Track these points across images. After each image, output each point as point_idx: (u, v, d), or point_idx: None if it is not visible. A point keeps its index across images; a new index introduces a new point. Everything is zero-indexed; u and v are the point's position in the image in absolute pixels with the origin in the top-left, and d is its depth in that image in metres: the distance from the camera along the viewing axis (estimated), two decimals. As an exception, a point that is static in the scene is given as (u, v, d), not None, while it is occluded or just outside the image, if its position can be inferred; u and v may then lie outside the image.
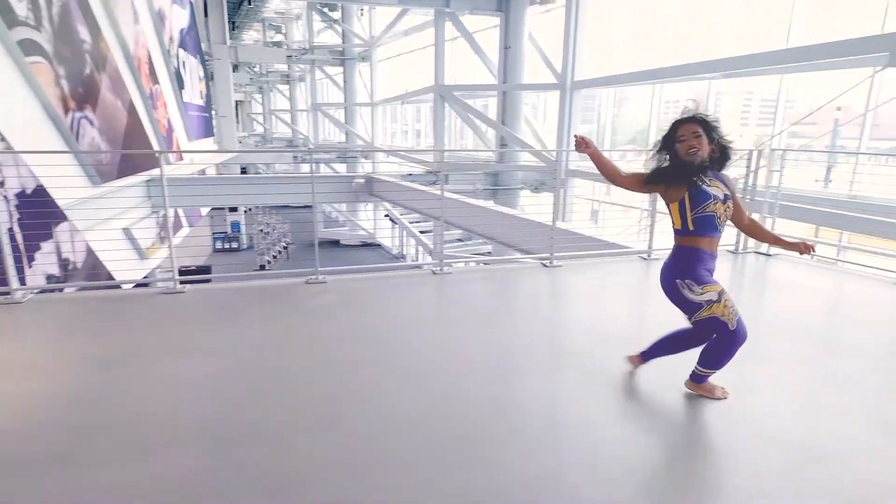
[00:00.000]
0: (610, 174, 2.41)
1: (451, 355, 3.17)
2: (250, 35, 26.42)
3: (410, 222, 17.08)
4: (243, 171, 21.36)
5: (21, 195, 7.59)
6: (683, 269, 2.34)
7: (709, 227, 2.31)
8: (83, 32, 9.48)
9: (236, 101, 34.32)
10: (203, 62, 17.39)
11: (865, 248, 7.07)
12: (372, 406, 2.54)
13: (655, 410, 2.58)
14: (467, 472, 2.04)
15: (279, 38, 24.89)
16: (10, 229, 7.20)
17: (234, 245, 21.55)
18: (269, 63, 24.85)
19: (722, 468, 2.16)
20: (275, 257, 19.99)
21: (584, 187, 14.06)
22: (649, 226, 5.58)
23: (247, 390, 2.68)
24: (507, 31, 13.27)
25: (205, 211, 17.48)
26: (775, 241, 2.55)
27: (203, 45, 18.03)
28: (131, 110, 11.24)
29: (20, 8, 7.61)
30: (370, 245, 21.70)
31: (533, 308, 4.21)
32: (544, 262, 5.17)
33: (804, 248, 2.39)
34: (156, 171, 12.04)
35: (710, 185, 2.30)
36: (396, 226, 19.14)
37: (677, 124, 2.30)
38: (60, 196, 7.90)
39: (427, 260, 14.42)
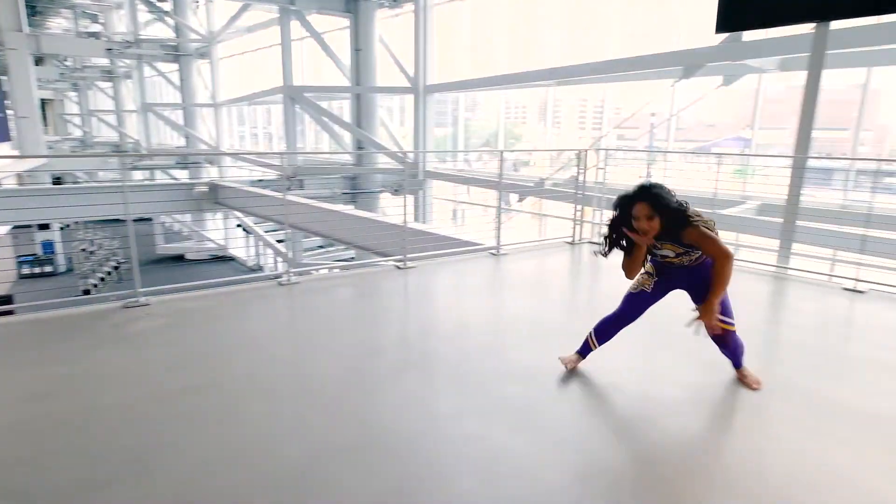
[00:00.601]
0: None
1: (294, 372, 2.92)
2: (58, 23, 22.74)
3: (266, 231, 16.04)
4: (57, 181, 18.27)
5: None
6: None
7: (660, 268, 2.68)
8: None
9: (43, 100, 29.38)
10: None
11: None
12: (192, 442, 2.21)
13: (516, 406, 2.60)
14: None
15: (96, 27, 21.77)
16: None
17: (48, 269, 18.36)
18: (85, 57, 21.61)
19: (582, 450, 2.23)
20: (102, 279, 17.44)
21: (444, 188, 14.48)
22: (497, 226, 5.79)
23: (28, 445, 2.17)
24: (356, 33, 13.08)
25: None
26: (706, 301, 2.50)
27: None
28: None
29: None
30: (222, 258, 19.97)
31: (384, 312, 4.08)
32: (398, 264, 5.09)
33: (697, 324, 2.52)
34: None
35: (660, 249, 2.53)
36: (251, 235, 17.86)
37: (627, 202, 2.43)
38: None
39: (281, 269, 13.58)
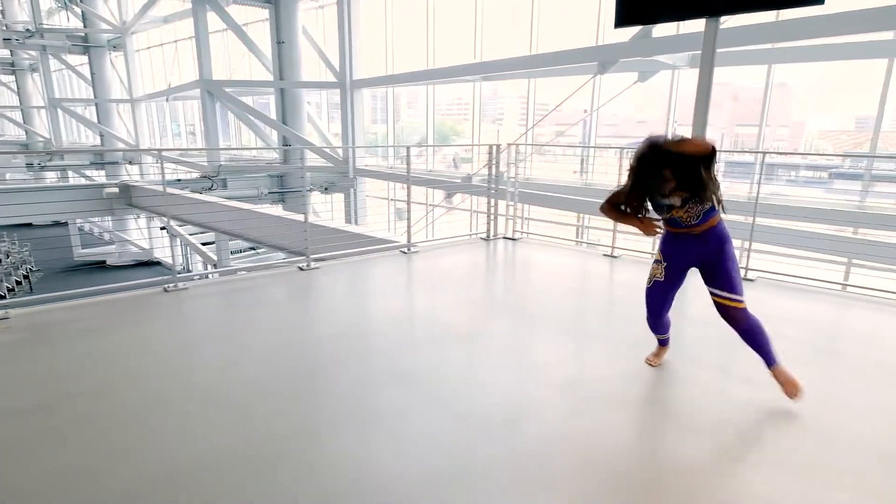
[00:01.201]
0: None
1: (156, 388, 2.69)
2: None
3: (191, 234, 15.26)
4: None
5: None
6: None
7: (674, 224, 2.57)
8: None
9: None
10: None
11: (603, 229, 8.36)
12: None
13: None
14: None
15: (-4, 17, 19.95)
16: None
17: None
18: (-16, 47, 19.78)
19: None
20: (11, 290, 16.07)
21: (377, 186, 14.23)
22: (408, 223, 5.70)
23: None
24: (278, 24, 12.60)
25: None
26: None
27: None
28: None
29: None
30: (147, 263, 18.87)
31: (269, 318, 3.85)
32: (301, 265, 4.89)
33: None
34: None
35: (667, 196, 2.48)
36: (177, 238, 16.94)
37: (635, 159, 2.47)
38: None
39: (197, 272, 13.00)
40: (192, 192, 11.68)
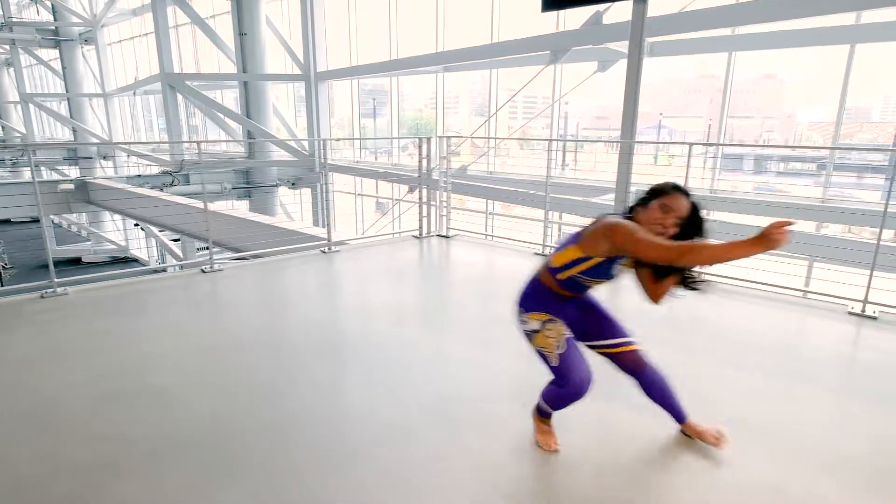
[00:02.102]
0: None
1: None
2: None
3: (160, 230, 15.08)
4: None
5: None
6: (522, 298, 2.08)
7: (577, 290, 2.03)
8: None
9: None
10: None
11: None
12: None
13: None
14: None
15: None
16: None
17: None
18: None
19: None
20: (-10, 286, 15.99)
21: (345, 182, 14.01)
22: (326, 219, 5.48)
23: None
24: (240, 16, 12.31)
25: None
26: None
27: None
28: None
29: None
30: (123, 260, 18.74)
31: (139, 329, 3.63)
32: (204, 267, 4.68)
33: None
34: None
35: (620, 266, 1.95)
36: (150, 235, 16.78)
37: (673, 189, 1.86)
38: None
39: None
40: (153, 188, 11.47)
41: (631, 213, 1.89)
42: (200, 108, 12.96)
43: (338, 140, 13.62)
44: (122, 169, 16.60)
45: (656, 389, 2.09)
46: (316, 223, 12.49)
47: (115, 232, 18.64)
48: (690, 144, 4.61)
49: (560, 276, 1.96)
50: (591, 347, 2.12)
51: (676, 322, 3.59)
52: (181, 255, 13.22)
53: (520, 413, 2.32)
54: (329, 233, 5.40)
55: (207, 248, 4.85)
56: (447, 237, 5.97)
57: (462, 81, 12.73)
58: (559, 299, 2.03)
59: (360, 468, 2.02)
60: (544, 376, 2.08)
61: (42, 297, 3.97)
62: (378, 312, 3.77)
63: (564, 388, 1.98)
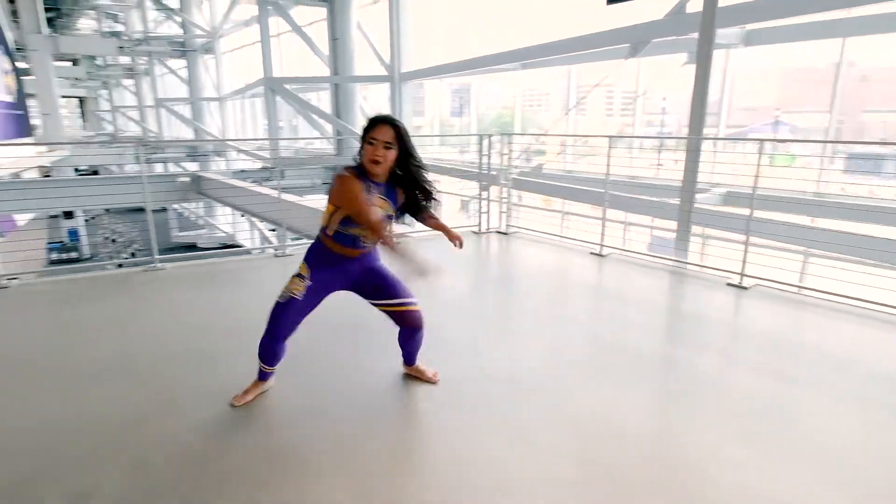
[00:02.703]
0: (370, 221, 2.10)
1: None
2: (86, 24, 24.01)
3: (260, 220, 16.52)
4: (94, 173, 19.41)
5: None
6: (307, 252, 2.36)
7: (347, 242, 2.25)
8: None
9: (80, 98, 31.19)
10: (8, 53, 15.56)
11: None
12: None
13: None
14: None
15: (118, 27, 22.85)
16: None
17: (74, 255, 19.63)
18: (108, 56, 22.77)
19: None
20: (120, 266, 18.53)
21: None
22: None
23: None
24: (333, 22, 13.17)
25: (22, 219, 15.74)
26: (441, 228, 2.49)
27: (12, 35, 16.13)
28: None
29: None
30: (230, 247, 20.75)
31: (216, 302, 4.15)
32: (276, 252, 5.21)
33: (455, 237, 2.45)
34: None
35: (373, 204, 2.15)
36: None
37: (374, 122, 2.14)
38: None
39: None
40: (253, 182, 12.63)
41: (359, 157, 2.15)
42: (296, 109, 14.02)
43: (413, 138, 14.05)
44: (233, 164, 18.44)
45: (414, 342, 2.52)
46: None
47: (226, 222, 20.69)
48: (762, 141, 4.32)
49: (329, 232, 2.23)
50: (376, 305, 2.43)
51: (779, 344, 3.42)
52: (275, 242, 14.43)
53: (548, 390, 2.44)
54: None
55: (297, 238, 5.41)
56: (505, 234, 6.07)
57: (554, 77, 12.62)
58: (340, 258, 2.28)
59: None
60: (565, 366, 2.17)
61: (145, 271, 4.69)
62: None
63: (267, 329, 2.29)
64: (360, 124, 14.09)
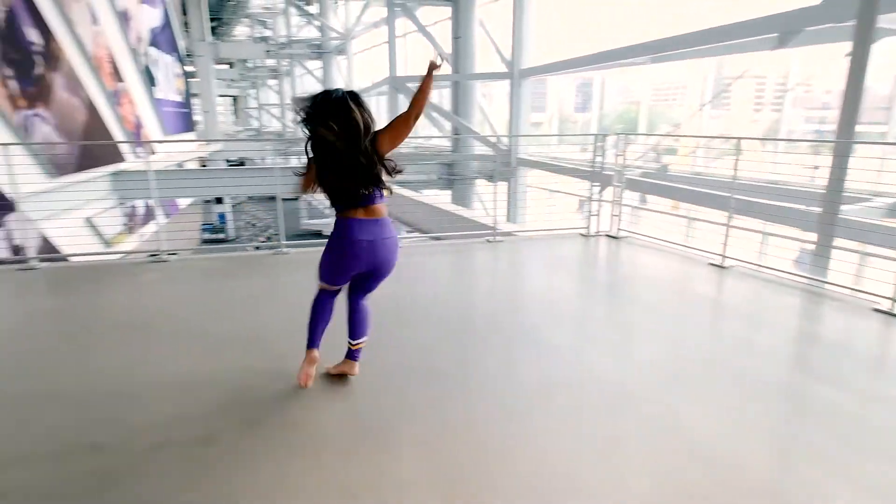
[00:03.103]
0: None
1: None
2: (241, 31, 27.01)
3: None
4: (241, 163, 21.98)
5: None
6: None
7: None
8: (33, 35, 10.09)
9: (234, 97, 35.16)
10: (181, 59, 18.01)
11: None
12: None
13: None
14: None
15: (268, 33, 25.40)
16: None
17: (221, 236, 22.30)
18: (257, 59, 25.42)
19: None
20: (257, 248, 20.71)
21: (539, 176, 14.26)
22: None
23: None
24: (457, 20, 13.46)
25: (183, 203, 18.20)
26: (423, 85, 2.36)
27: (183, 43, 18.65)
28: (90, 108, 11.88)
29: (-38, 16, 8.21)
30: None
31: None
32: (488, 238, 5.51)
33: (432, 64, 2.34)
34: (122, 165, 12.76)
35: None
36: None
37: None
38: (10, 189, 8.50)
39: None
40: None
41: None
42: (418, 107, 14.55)
43: (523, 137, 13.88)
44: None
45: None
46: (509, 217, 13.09)
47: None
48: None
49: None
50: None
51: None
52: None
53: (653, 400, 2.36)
54: (495, 222, 5.78)
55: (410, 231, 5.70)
56: (616, 238, 5.82)
57: (691, 69, 11.80)
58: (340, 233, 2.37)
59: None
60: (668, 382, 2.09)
61: (273, 254, 5.23)
62: (517, 299, 4.01)
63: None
64: (478, 122, 14.31)
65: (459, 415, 2.37)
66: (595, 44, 11.74)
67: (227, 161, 21.73)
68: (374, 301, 2.85)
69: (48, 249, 9.75)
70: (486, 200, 14.78)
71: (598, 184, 5.92)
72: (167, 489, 1.86)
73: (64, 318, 3.59)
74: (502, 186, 14.42)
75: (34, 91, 10.06)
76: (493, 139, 13.33)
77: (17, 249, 8.96)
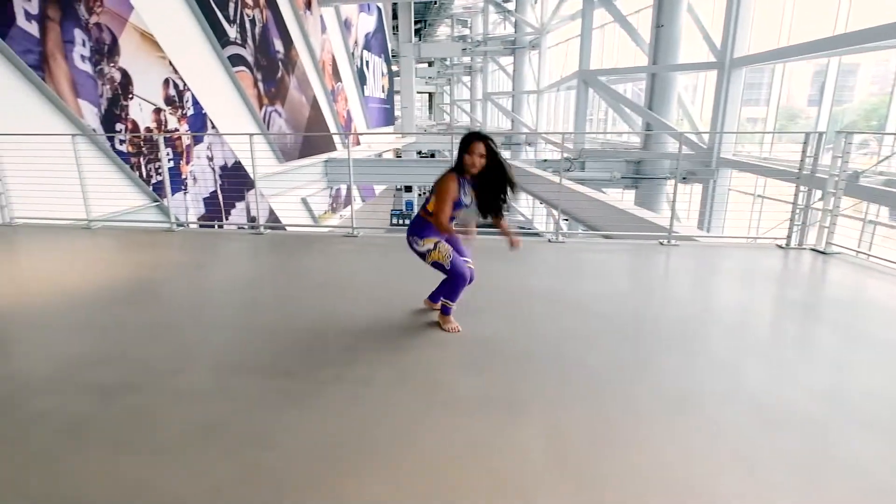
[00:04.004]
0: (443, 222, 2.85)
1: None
2: (443, 31, 28.91)
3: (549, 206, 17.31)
4: (431, 155, 23.90)
5: (224, 167, 10.51)
6: (415, 230, 2.95)
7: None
8: (278, 45, 12.27)
9: (429, 94, 37.87)
10: (388, 60, 20.07)
11: None
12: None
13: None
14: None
15: (465, 31, 26.79)
16: (214, 191, 10.15)
17: (406, 222, 24.40)
18: (454, 57, 26.99)
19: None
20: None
21: (743, 179, 12.63)
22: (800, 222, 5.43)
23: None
24: (660, 8, 12.56)
25: (378, 189, 20.37)
26: (503, 228, 3.00)
27: (392, 45, 20.77)
28: (314, 104, 14.01)
29: (231, 31, 10.39)
30: (527, 232, 22.38)
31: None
32: (550, 237, 5.53)
33: (513, 241, 2.97)
34: (333, 154, 14.84)
35: (467, 194, 2.86)
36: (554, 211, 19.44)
37: (470, 139, 2.82)
38: (251, 171, 10.61)
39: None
40: (554, 172, 13.35)
41: (460, 162, 2.79)
42: (607, 101, 14.04)
43: (728, 133, 12.38)
44: (540, 154, 19.77)
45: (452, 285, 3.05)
46: (700, 224, 11.92)
47: (527, 206, 22.38)
48: None
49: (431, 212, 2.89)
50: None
51: None
52: (564, 229, 14.93)
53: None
54: (671, 224, 5.38)
55: (589, 228, 5.63)
56: (823, 253, 4.96)
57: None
58: (437, 231, 2.92)
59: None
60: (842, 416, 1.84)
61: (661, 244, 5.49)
62: (681, 305, 3.72)
63: (457, 280, 2.98)
64: (675, 117, 13.25)
65: (590, 406, 2.35)
66: (834, 25, 9.79)
67: (419, 153, 23.66)
68: (534, 292, 2.92)
69: (273, 220, 11.87)
70: (675, 203, 13.65)
71: (805, 189, 5.09)
72: (332, 413, 2.24)
73: (281, 273, 4.42)
74: (696, 189, 13.23)
75: (275, 91, 12.24)
76: (691, 136, 12.22)
77: (252, 218, 11.13)
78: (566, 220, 16.58)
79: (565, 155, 14.05)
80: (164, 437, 2.07)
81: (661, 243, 5.36)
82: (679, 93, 13.26)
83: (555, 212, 6.69)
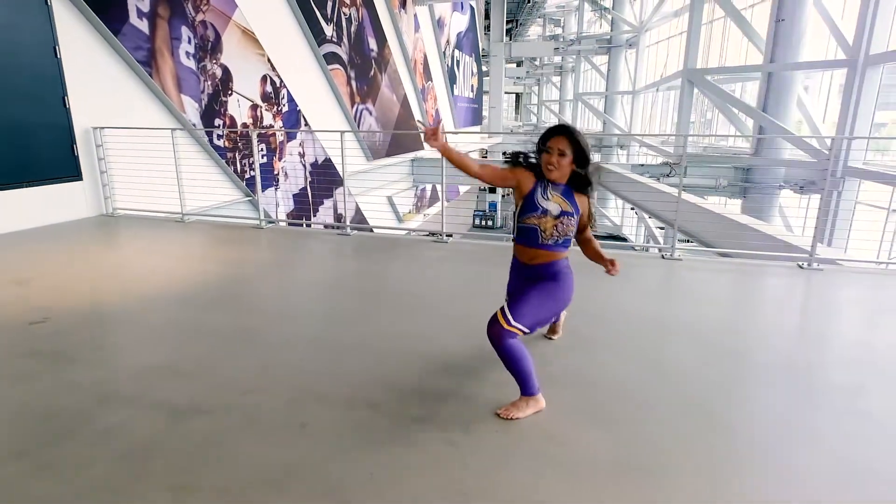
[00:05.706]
0: (465, 169, 2.24)
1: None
2: (534, 30, 28.20)
3: (649, 216, 16.19)
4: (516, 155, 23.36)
5: (314, 164, 10.66)
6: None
7: (527, 237, 2.25)
8: (372, 43, 12.31)
9: (516, 94, 37.19)
10: (478, 59, 19.77)
11: None
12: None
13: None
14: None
15: (558, 31, 25.93)
16: (304, 188, 10.32)
17: (489, 223, 23.98)
18: (545, 56, 26.21)
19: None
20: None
21: (874, 191, 11.00)
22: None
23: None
24: (782, 1, 11.25)
25: (462, 189, 20.08)
26: (597, 256, 2.36)
27: (483, 44, 20.43)
28: (404, 103, 13.96)
29: (328, 30, 10.51)
30: (614, 237, 21.24)
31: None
32: (664, 253, 4.88)
33: (611, 266, 2.26)
34: (420, 153, 14.75)
35: (548, 199, 2.20)
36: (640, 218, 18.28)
37: (549, 133, 2.24)
38: (340, 168, 10.69)
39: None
40: (651, 177, 12.39)
41: (537, 161, 2.23)
42: (714, 102, 12.82)
43: (857, 139, 10.82)
44: (634, 158, 18.59)
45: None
46: (819, 238, 10.52)
47: (615, 214, 21.23)
48: None
49: (514, 235, 2.32)
50: None
51: None
52: (661, 241, 13.86)
53: None
54: (814, 246, 4.55)
55: (688, 241, 4.99)
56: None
57: None
58: (523, 267, 2.31)
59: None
60: None
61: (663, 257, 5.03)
62: (819, 341, 3.00)
63: (508, 363, 2.16)
64: (794, 119, 11.84)
65: (753, 480, 1.81)
66: None
67: (504, 154, 23.13)
68: (656, 321, 2.33)
69: (359, 218, 11.88)
70: (792, 216, 12.21)
71: None
72: (417, 466, 1.86)
73: (367, 281, 4.17)
74: (815, 200, 11.69)
75: (367, 89, 12.29)
76: (811, 141, 10.82)
77: (339, 216, 11.20)
78: (661, 228, 15.42)
79: (668, 160, 13.01)
80: (230, 475, 1.80)
81: (801, 266, 4.55)
82: (799, 94, 11.82)
83: (670, 225, 5.98)
